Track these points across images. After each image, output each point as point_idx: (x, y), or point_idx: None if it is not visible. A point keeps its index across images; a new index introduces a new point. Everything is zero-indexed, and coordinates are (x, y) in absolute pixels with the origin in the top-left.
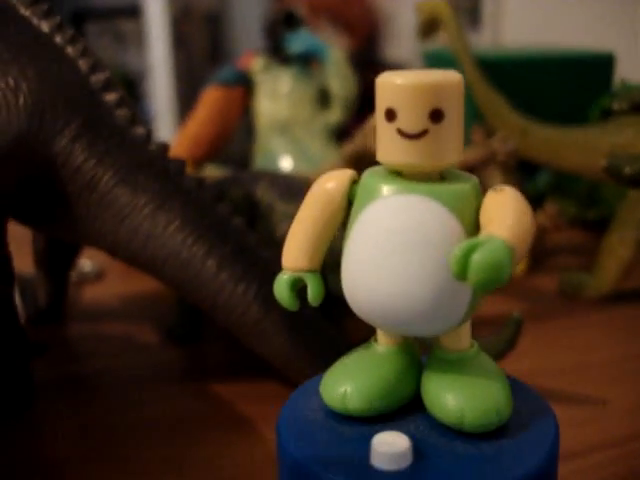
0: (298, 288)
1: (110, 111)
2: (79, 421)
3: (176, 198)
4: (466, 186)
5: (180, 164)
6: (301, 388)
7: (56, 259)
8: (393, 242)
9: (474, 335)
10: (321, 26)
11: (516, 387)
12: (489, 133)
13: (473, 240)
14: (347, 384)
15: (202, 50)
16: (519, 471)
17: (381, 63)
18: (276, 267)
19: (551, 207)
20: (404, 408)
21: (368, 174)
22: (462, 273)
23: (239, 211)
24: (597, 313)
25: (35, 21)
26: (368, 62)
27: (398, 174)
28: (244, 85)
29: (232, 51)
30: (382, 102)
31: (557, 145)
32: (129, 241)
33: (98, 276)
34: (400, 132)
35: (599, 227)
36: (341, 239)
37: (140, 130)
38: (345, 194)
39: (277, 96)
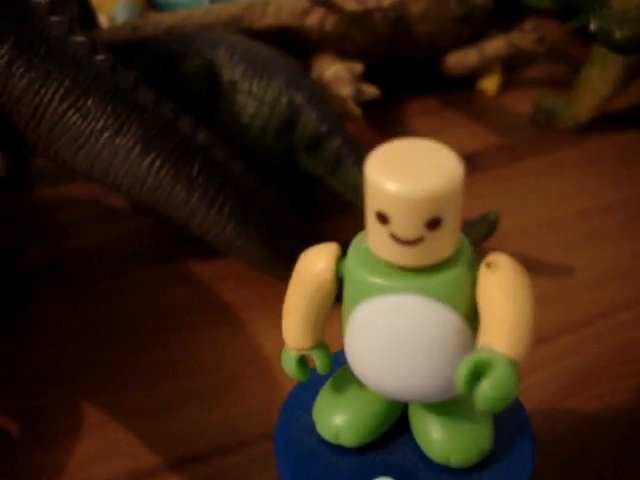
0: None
1: (44, 21)
2: (72, 311)
3: (133, 119)
4: (457, 270)
5: (131, 76)
6: (290, 401)
7: None
8: (391, 343)
9: None
10: None
11: None
12: None
13: (477, 358)
14: (339, 418)
15: None
16: None
17: None
18: (247, 179)
19: (530, 25)
20: (391, 430)
21: (354, 260)
22: (469, 393)
23: (198, 87)
24: (571, 148)
25: None
26: None
27: (386, 262)
28: None
29: None
30: (373, 203)
31: None
32: (89, 170)
33: None
34: (393, 237)
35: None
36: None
37: (80, 39)
38: (334, 276)
39: None
